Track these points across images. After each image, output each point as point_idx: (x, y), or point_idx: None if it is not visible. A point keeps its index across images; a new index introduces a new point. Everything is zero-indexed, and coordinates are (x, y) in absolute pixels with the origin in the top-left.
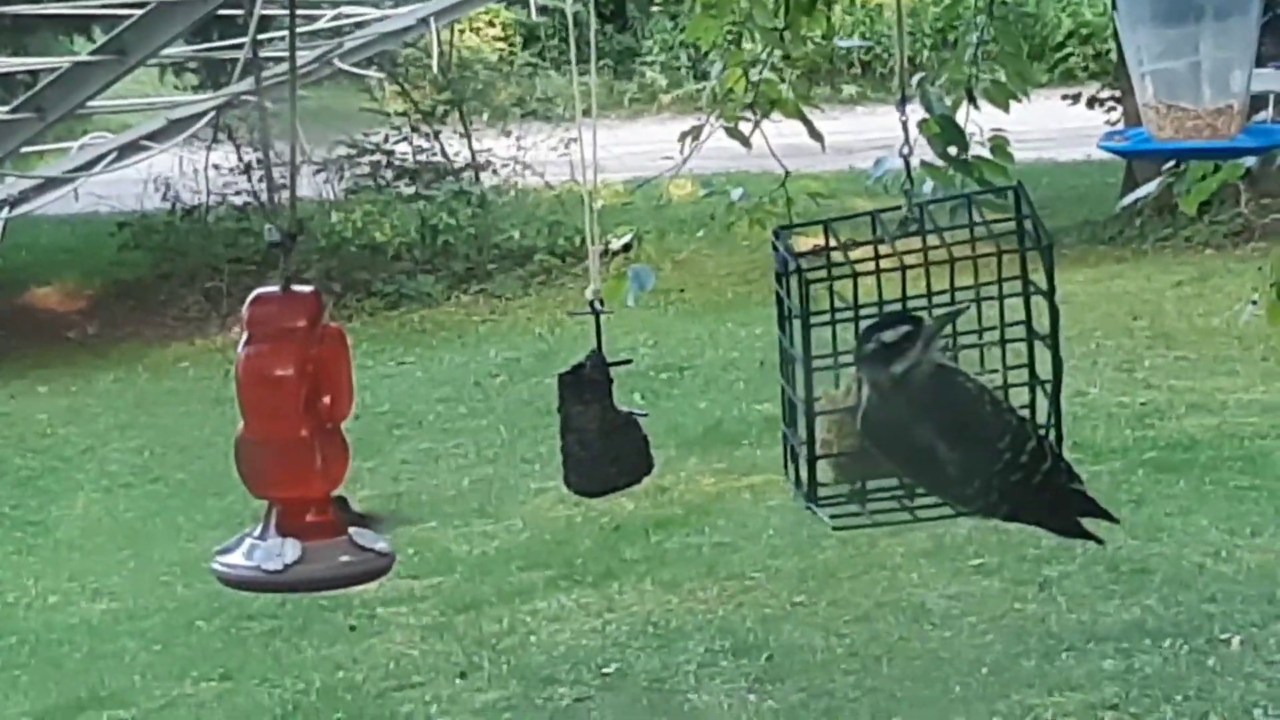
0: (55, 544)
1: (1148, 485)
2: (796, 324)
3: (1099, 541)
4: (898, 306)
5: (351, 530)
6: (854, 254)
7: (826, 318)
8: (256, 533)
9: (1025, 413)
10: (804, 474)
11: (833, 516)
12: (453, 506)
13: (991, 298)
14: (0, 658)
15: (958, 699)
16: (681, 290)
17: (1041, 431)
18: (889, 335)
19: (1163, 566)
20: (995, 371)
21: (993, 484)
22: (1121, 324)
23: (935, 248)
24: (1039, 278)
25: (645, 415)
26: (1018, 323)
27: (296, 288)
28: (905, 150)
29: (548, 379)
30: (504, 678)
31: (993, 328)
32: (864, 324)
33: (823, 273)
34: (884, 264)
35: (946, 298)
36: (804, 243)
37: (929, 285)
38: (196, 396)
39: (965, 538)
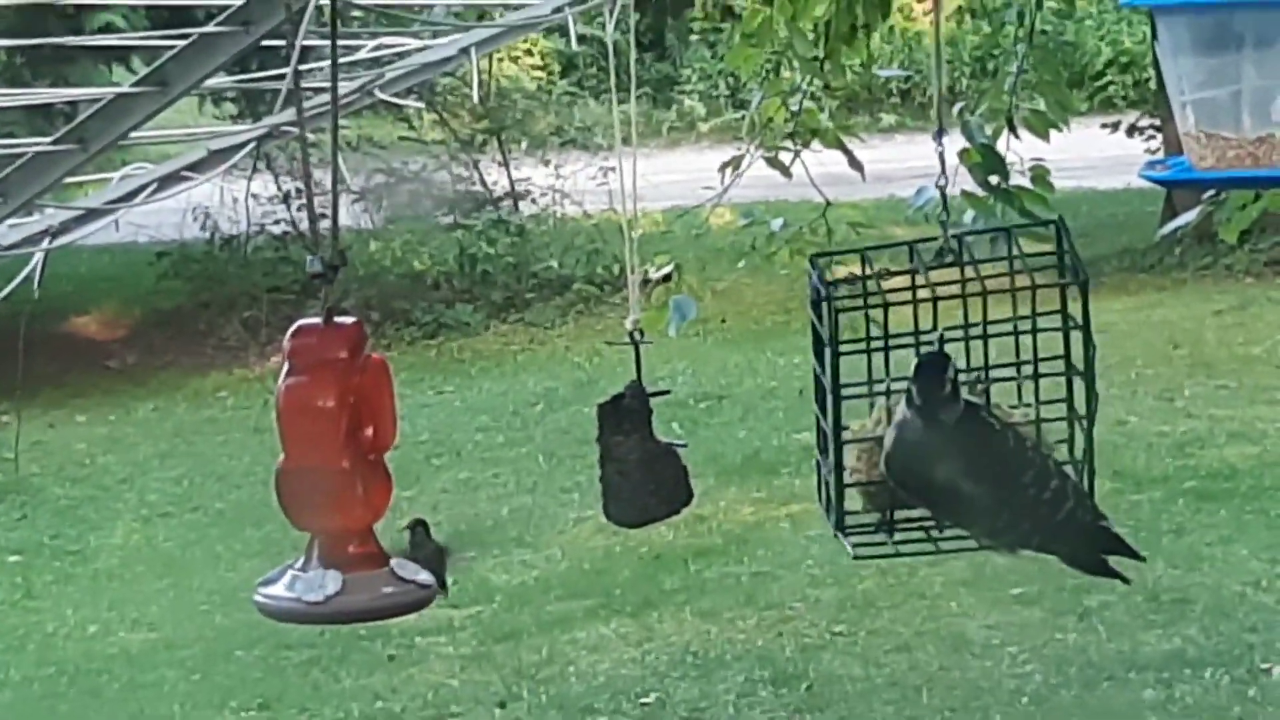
0: (94, 573)
1: (1188, 514)
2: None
3: (1125, 580)
4: (933, 337)
5: (393, 561)
6: (888, 284)
7: (860, 346)
8: (298, 564)
9: (1063, 447)
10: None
11: (855, 545)
12: (491, 536)
13: (1027, 331)
14: (40, 687)
15: None
16: (721, 319)
17: (1069, 468)
18: (940, 381)
19: (1203, 596)
20: (1030, 405)
21: (1023, 515)
22: (1161, 352)
23: (971, 279)
24: (1076, 311)
25: (684, 446)
26: (1053, 357)
27: (339, 319)
28: (941, 181)
29: (586, 408)
30: (543, 708)
31: (1027, 361)
32: (917, 360)
33: (856, 301)
34: (918, 295)
35: (980, 330)
36: (842, 271)
37: (966, 316)
38: (235, 425)
39: (1006, 567)
